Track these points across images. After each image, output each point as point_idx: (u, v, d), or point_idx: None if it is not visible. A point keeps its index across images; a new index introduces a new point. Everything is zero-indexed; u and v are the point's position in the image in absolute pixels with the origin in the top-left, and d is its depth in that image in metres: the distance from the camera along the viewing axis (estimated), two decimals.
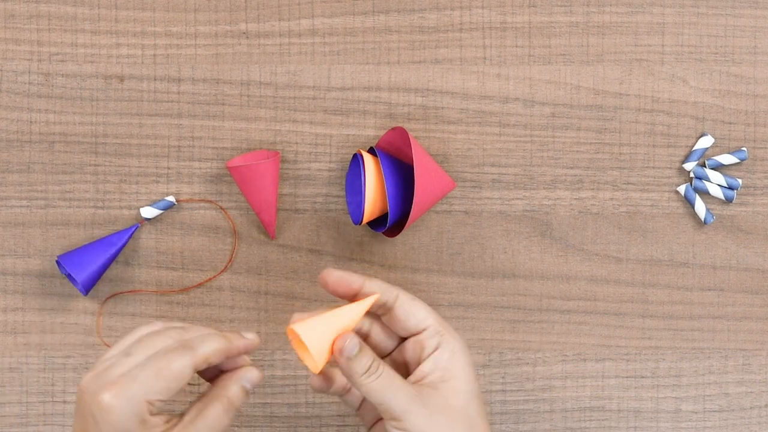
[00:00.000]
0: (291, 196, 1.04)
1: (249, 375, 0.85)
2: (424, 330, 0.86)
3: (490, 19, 1.04)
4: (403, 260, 1.05)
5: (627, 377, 1.05)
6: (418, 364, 0.86)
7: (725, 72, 1.04)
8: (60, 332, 1.04)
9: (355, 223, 1.01)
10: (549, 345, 1.05)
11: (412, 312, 0.86)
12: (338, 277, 0.85)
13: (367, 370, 0.83)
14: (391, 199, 0.98)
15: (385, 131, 1.04)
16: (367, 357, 0.84)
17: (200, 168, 1.04)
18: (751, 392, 1.05)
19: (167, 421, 0.82)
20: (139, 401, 0.80)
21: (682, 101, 1.04)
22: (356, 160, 1.02)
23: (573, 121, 1.04)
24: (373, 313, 0.88)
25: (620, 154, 1.04)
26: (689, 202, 1.03)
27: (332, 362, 0.86)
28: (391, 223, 1.00)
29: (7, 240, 1.04)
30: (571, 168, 1.04)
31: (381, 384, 0.83)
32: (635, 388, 1.05)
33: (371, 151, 1.03)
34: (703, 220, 1.03)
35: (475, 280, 1.05)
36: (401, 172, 1.00)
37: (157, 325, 0.86)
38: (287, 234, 1.05)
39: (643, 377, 1.05)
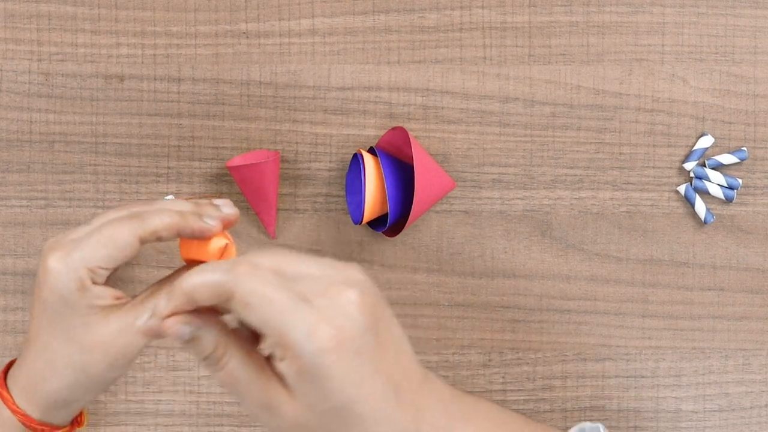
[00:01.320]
0: (291, 196, 1.04)
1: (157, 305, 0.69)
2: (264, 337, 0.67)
3: (490, 19, 1.04)
4: (403, 260, 1.05)
5: (627, 377, 1.05)
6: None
7: (725, 72, 1.04)
8: None
9: (355, 223, 1.01)
10: (549, 345, 1.05)
11: (247, 320, 0.66)
12: (151, 326, 0.67)
13: (206, 358, 0.67)
14: (391, 199, 0.99)
15: (386, 131, 1.04)
16: (208, 345, 0.67)
17: (200, 168, 1.04)
18: (751, 392, 1.05)
19: (117, 298, 0.79)
20: (79, 266, 0.78)
21: (682, 101, 1.04)
22: (356, 160, 1.02)
23: (573, 120, 1.04)
24: None
25: (620, 153, 1.04)
26: (689, 202, 1.03)
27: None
28: (391, 222, 1.00)
29: (7, 240, 1.04)
30: (571, 168, 1.04)
31: (225, 378, 0.67)
32: (635, 387, 1.05)
33: (371, 151, 1.03)
34: (703, 219, 1.03)
35: (475, 280, 1.05)
36: (401, 172, 1.00)
37: (125, 204, 0.82)
38: (287, 234, 1.05)
39: (643, 377, 1.05)
